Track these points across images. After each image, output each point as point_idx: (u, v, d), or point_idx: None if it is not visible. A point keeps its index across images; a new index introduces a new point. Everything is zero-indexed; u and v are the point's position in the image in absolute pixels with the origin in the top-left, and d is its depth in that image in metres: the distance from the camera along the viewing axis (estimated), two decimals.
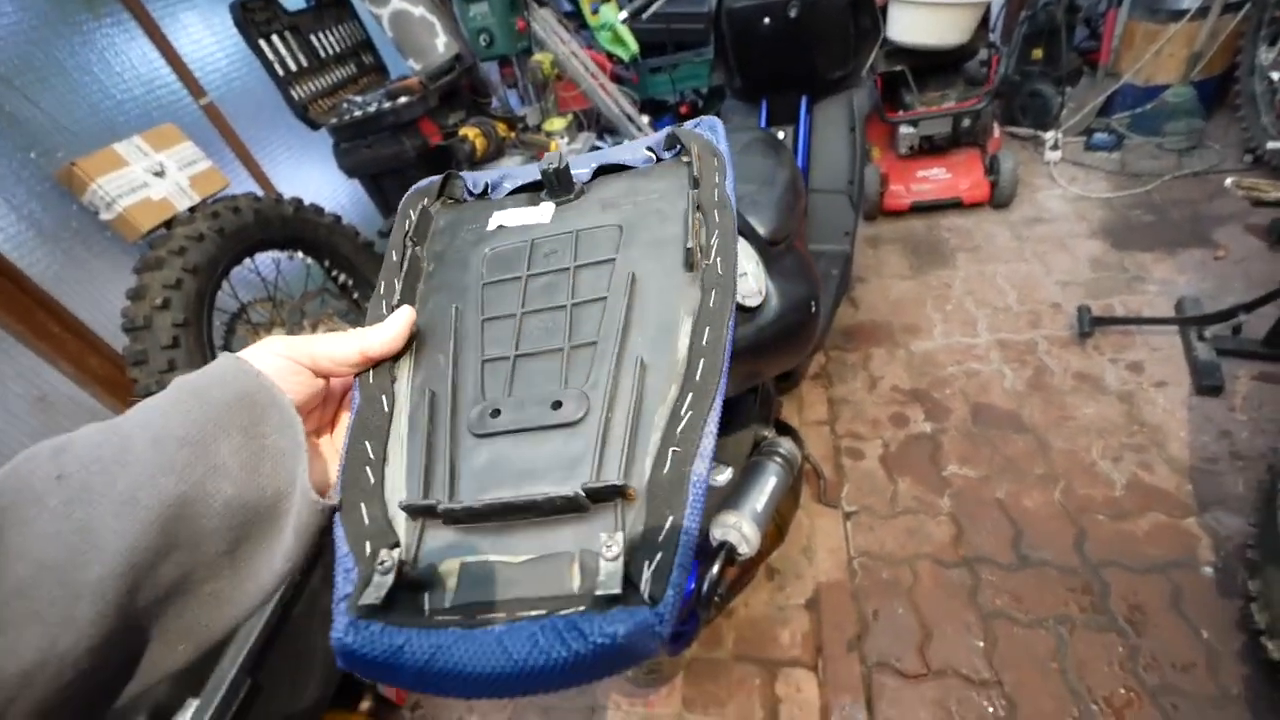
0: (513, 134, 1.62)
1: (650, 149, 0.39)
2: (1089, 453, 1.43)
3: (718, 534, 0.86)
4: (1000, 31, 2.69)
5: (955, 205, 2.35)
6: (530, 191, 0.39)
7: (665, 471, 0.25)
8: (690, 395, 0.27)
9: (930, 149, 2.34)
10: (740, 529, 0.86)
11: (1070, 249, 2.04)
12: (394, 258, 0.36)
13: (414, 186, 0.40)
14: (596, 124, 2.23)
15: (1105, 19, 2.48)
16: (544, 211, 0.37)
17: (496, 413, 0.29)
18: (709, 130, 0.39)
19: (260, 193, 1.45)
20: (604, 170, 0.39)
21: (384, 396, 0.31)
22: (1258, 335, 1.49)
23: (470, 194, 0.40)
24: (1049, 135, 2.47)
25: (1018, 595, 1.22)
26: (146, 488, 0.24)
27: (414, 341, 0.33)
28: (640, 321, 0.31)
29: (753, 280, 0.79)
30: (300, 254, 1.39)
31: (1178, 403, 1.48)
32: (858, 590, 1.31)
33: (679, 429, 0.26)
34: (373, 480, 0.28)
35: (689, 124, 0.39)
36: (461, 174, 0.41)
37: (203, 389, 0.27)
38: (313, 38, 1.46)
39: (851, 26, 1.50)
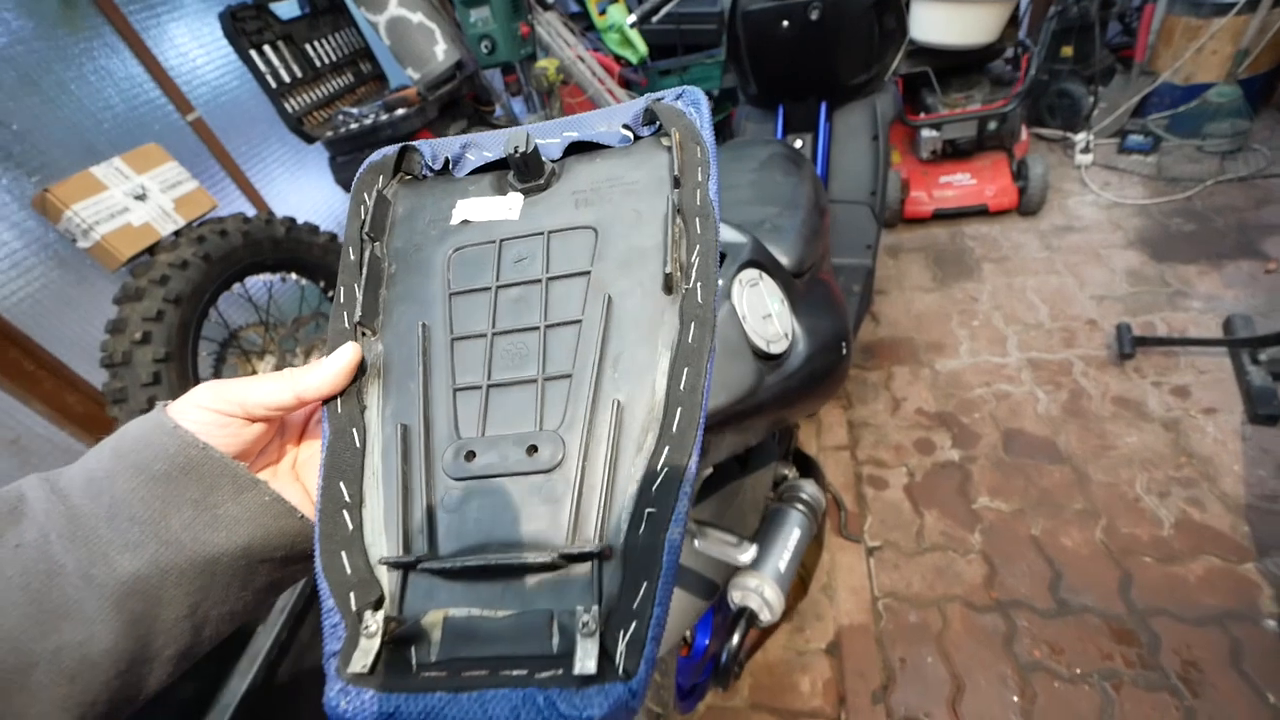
0: None
1: (627, 126, 0.35)
2: (1132, 487, 1.33)
3: (737, 598, 0.78)
4: (1027, 27, 2.57)
5: (980, 212, 2.23)
6: (495, 171, 0.36)
7: (641, 533, 0.25)
8: (667, 449, 0.26)
9: (954, 153, 2.24)
10: (762, 593, 0.78)
11: (1105, 260, 1.93)
12: (351, 256, 0.34)
13: (366, 161, 0.37)
14: None
15: (1141, 14, 2.35)
16: (512, 203, 0.34)
17: (471, 455, 0.29)
18: (691, 106, 0.34)
19: (252, 212, 1.38)
20: (575, 147, 0.35)
21: (354, 430, 0.30)
22: None
23: (429, 169, 0.37)
24: (1080, 137, 2.34)
25: (1057, 645, 1.13)
26: (101, 565, 0.25)
27: (381, 362, 0.32)
28: (616, 353, 0.29)
29: (777, 322, 0.71)
30: (294, 276, 1.33)
31: (1230, 432, 1.37)
32: (883, 635, 1.22)
33: (655, 486, 0.26)
34: (350, 526, 0.28)
35: (668, 94, 0.35)
36: (419, 145, 0.37)
37: (144, 464, 0.26)
38: (307, 47, 1.39)
39: (876, 28, 1.41)
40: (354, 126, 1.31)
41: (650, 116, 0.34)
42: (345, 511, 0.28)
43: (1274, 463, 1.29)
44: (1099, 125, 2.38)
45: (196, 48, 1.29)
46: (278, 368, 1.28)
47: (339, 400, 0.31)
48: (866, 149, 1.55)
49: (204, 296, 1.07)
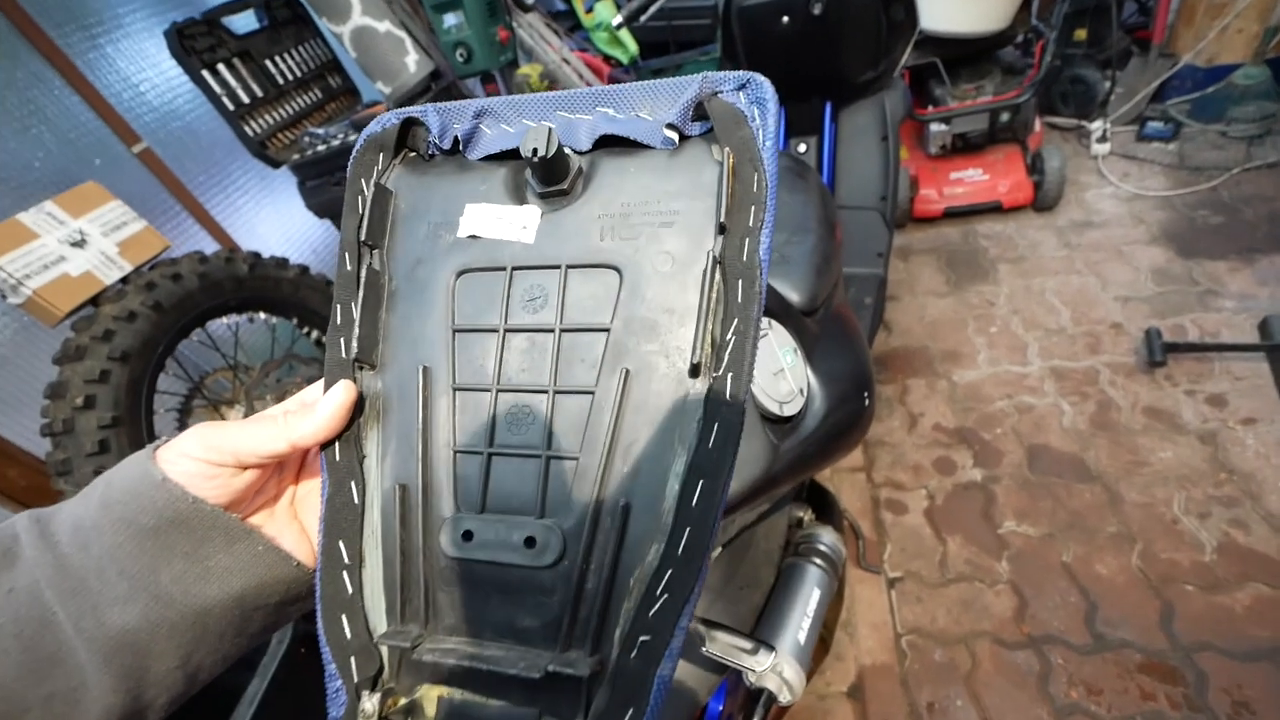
0: None
1: (673, 126, 0.28)
2: (1169, 507, 1.24)
3: (754, 679, 0.71)
4: (1038, 10, 2.45)
5: (994, 209, 2.13)
6: (513, 160, 0.31)
7: (633, 659, 0.25)
8: (670, 573, 0.25)
9: (964, 147, 2.13)
10: (781, 673, 0.70)
11: (1128, 258, 1.83)
12: (348, 266, 0.31)
13: (365, 132, 0.32)
14: None
15: None
16: (527, 219, 0.30)
17: (469, 535, 0.28)
18: (755, 105, 0.28)
19: (213, 249, 1.29)
20: (608, 140, 0.30)
21: (353, 483, 0.30)
22: None
23: (437, 148, 0.32)
24: (1095, 125, 2.23)
25: (1095, 685, 1.05)
26: (90, 618, 0.25)
27: (381, 403, 0.31)
28: (629, 441, 0.27)
29: (790, 378, 0.62)
30: (262, 315, 1.24)
31: (1272, 444, 1.28)
32: (908, 676, 1.15)
33: (652, 611, 0.25)
34: (350, 590, 0.28)
35: (728, 80, 0.28)
36: (426, 116, 0.32)
37: (132, 517, 0.26)
38: (268, 63, 1.29)
39: (883, 20, 1.31)
40: (321, 148, 1.22)
41: (700, 112, 0.28)
42: (345, 573, 0.28)
43: None
44: (1116, 112, 2.27)
45: (141, 71, 1.18)
46: (247, 417, 1.20)
47: (337, 446, 0.30)
48: (875, 150, 1.45)
49: (157, 349, 0.98)
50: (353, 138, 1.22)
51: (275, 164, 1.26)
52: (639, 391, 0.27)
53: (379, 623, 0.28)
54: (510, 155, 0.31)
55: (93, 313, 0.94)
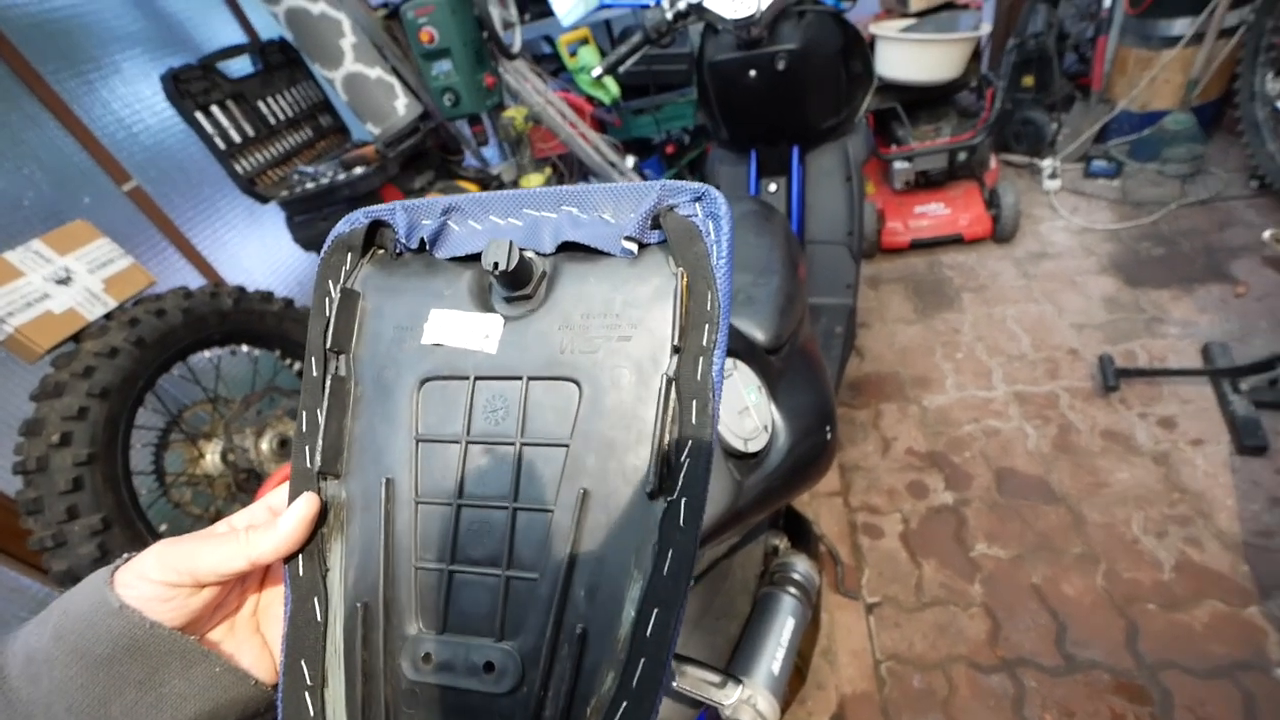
0: None
1: (632, 238, 0.29)
2: (1129, 527, 1.30)
3: (728, 711, 0.72)
4: (989, 61, 2.63)
5: (956, 241, 2.25)
6: (479, 264, 0.30)
7: None
8: (625, 705, 0.25)
9: (927, 183, 2.26)
10: (755, 705, 0.71)
11: (1081, 287, 1.94)
12: (314, 372, 0.31)
13: (333, 233, 0.33)
14: (577, 171, 2.12)
15: (1095, 45, 2.42)
16: (490, 329, 0.30)
17: (428, 657, 0.28)
18: (709, 220, 0.28)
19: (199, 283, 1.30)
20: (571, 244, 0.31)
21: (316, 599, 0.29)
22: None
23: (404, 246, 0.32)
24: (1046, 163, 2.39)
25: (1068, 707, 1.08)
26: None
27: (345, 514, 0.30)
28: (587, 562, 0.27)
29: (754, 415, 0.65)
30: (245, 348, 1.24)
31: (1219, 464, 1.36)
32: (887, 703, 1.16)
33: None
34: (313, 712, 0.28)
35: (685, 192, 0.29)
36: (394, 217, 0.32)
37: (86, 648, 0.26)
38: (260, 104, 1.33)
39: (843, 75, 1.40)
40: (310, 186, 1.24)
41: (658, 222, 0.29)
42: (308, 694, 0.28)
43: (1265, 496, 1.27)
44: (1064, 151, 2.43)
45: (134, 112, 1.21)
46: (226, 450, 1.19)
47: (300, 560, 0.30)
48: (841, 190, 1.53)
49: (137, 384, 0.97)
50: (341, 176, 1.25)
51: (264, 199, 1.28)
52: (596, 512, 0.27)
53: None
54: (476, 257, 0.30)
55: (74, 349, 0.93)
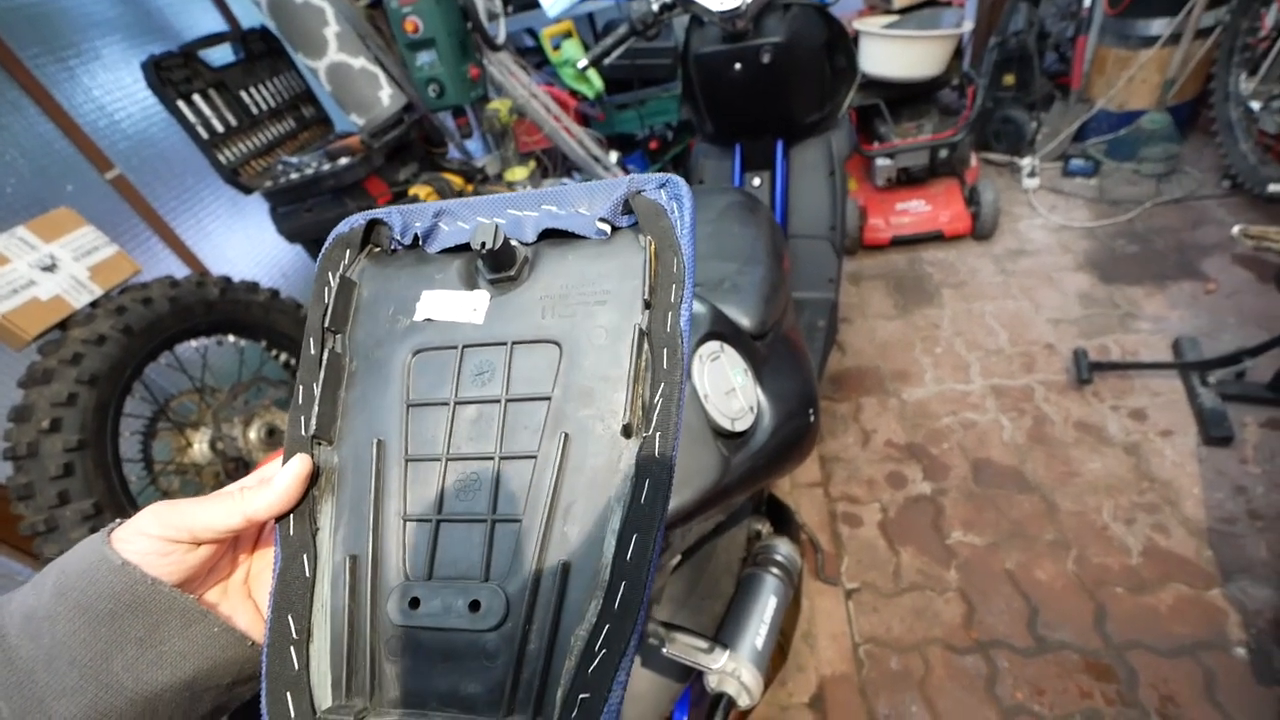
0: (470, 187, 1.49)
1: (605, 219, 0.32)
2: (1099, 514, 1.34)
3: (714, 683, 0.73)
4: (970, 59, 2.67)
5: (937, 238, 2.28)
6: (467, 252, 0.34)
7: (574, 718, 0.26)
8: (607, 628, 0.26)
9: (908, 180, 2.29)
10: (740, 677, 0.73)
11: (1058, 283, 1.98)
12: (311, 350, 0.33)
13: (334, 232, 0.36)
14: (561, 166, 2.12)
15: (1074, 45, 2.47)
16: (477, 303, 0.33)
17: (416, 601, 0.29)
18: (673, 201, 0.32)
19: (183, 273, 1.29)
20: (550, 232, 0.33)
21: (305, 556, 0.30)
22: (1262, 379, 1.42)
23: (399, 243, 0.35)
24: (1025, 162, 2.43)
25: (1039, 685, 1.11)
26: (36, 712, 0.25)
27: (336, 477, 0.32)
28: (569, 501, 0.29)
29: (741, 396, 0.67)
30: (231, 338, 1.24)
31: (1187, 454, 1.40)
32: (865, 684, 1.19)
33: (591, 668, 0.26)
34: (296, 665, 0.28)
35: (651, 181, 0.33)
36: (390, 217, 0.35)
37: (89, 604, 0.26)
38: (243, 93, 1.32)
39: (827, 69, 1.42)
40: (295, 176, 1.24)
41: (629, 208, 0.32)
42: (292, 648, 0.29)
43: (1229, 485, 1.32)
44: (1043, 150, 2.48)
45: (114, 99, 1.19)
46: (215, 439, 1.18)
47: (292, 520, 0.31)
48: (824, 185, 1.55)
49: (125, 372, 0.97)
50: (325, 167, 1.25)
51: (247, 190, 1.27)
52: (577, 454, 0.29)
53: (324, 698, 0.28)
54: (464, 248, 0.34)
55: (61, 336, 0.93)
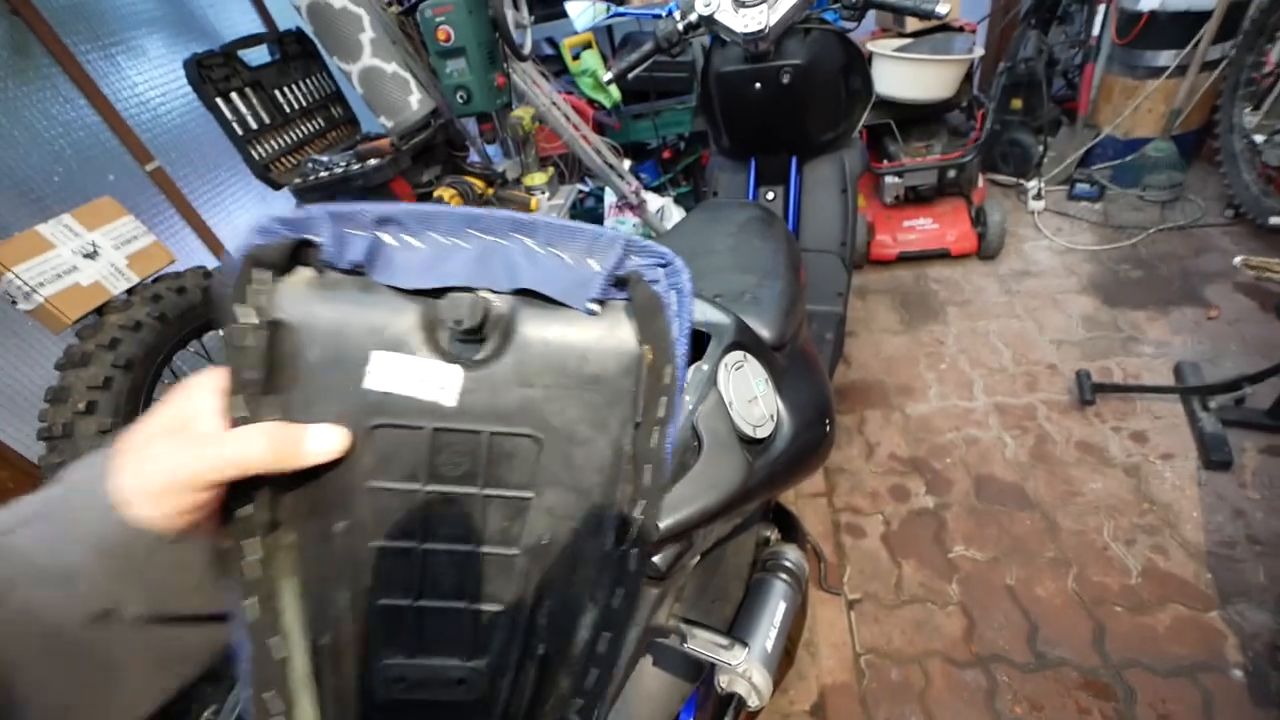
0: (490, 190, 1.53)
1: (596, 299, 0.28)
2: (1100, 534, 1.36)
3: (724, 683, 0.75)
4: (979, 83, 2.72)
5: (943, 256, 2.32)
6: (425, 296, 0.27)
7: None
8: (580, 702, 0.29)
9: (916, 198, 2.32)
10: (750, 678, 0.75)
11: (1062, 305, 2.01)
12: (244, 414, 0.27)
13: (243, 247, 0.26)
14: (578, 171, 2.16)
15: (1082, 72, 2.52)
16: (448, 379, 0.28)
17: (401, 679, 0.29)
18: (673, 291, 0.29)
19: (215, 263, 1.32)
20: (528, 291, 0.29)
21: (275, 639, 0.28)
22: (1262, 405, 1.45)
23: (329, 264, 0.27)
24: (1032, 184, 2.47)
25: (1037, 701, 1.13)
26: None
27: (297, 555, 0.28)
28: (546, 596, 0.30)
29: (762, 405, 0.70)
30: None
31: (1187, 478, 1.42)
32: (866, 694, 1.20)
33: None
34: None
35: (650, 256, 0.29)
36: (319, 226, 0.27)
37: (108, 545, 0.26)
38: (277, 93, 1.35)
39: (843, 89, 1.46)
40: (324, 175, 1.27)
41: (621, 282, 0.29)
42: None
43: (1229, 509, 1.34)
44: (1049, 174, 2.52)
45: (156, 93, 1.23)
46: None
47: (257, 603, 0.27)
48: (836, 201, 1.59)
49: (157, 359, 1.00)
50: (355, 167, 1.28)
51: (277, 186, 1.30)
52: (556, 556, 0.30)
53: None
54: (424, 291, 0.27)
55: (97, 321, 0.95)
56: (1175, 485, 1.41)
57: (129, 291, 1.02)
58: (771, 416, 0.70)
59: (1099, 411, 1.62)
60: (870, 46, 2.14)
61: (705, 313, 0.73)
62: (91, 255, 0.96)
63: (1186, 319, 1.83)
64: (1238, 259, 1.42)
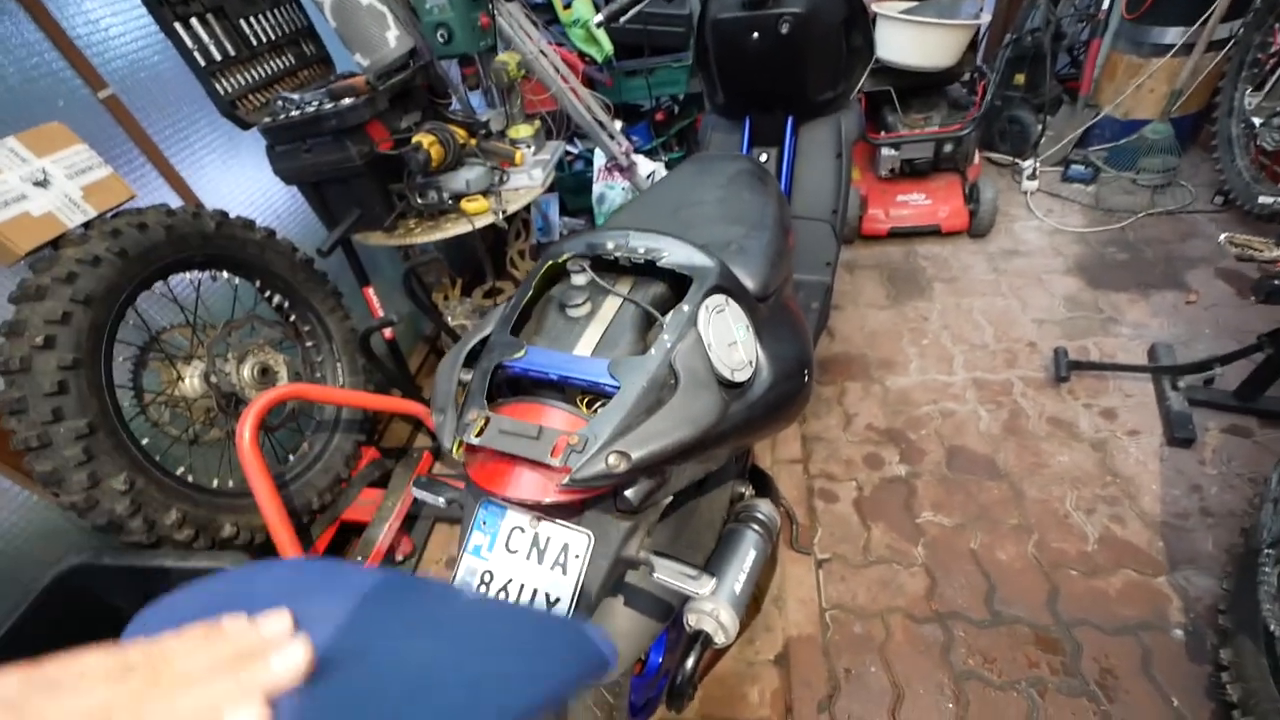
0: (474, 141, 1.48)
1: None
2: (1063, 503, 1.40)
3: (693, 621, 0.78)
4: (983, 54, 2.67)
5: (933, 233, 2.31)
6: None
7: None
8: None
9: (911, 172, 2.30)
10: (718, 616, 0.77)
11: (1046, 285, 2.03)
12: None
13: None
14: (566, 129, 2.10)
15: (1088, 48, 2.48)
16: None
17: None
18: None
19: (176, 203, 1.26)
20: None
21: None
22: (1229, 386, 1.49)
23: None
24: (1027, 164, 2.46)
25: (990, 654, 1.18)
26: None
27: None
28: None
29: (742, 350, 0.70)
30: (225, 274, 1.23)
31: (1150, 453, 1.47)
32: (829, 646, 1.25)
33: None
34: None
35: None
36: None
37: None
38: (242, 23, 1.28)
39: (844, 46, 1.42)
40: (295, 114, 1.22)
41: None
42: None
43: (1186, 483, 1.39)
44: (1045, 153, 2.50)
45: (110, 15, 1.14)
46: (207, 374, 1.18)
47: None
48: (830, 167, 1.57)
49: (120, 296, 0.96)
50: (329, 106, 1.22)
51: (245, 125, 1.24)
52: None
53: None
54: None
55: (53, 254, 0.92)
56: (1139, 460, 1.46)
57: (85, 225, 0.98)
58: (750, 362, 0.71)
59: (1073, 389, 1.65)
60: (875, 8, 2.07)
61: (690, 256, 0.72)
62: (42, 184, 0.91)
63: (1166, 302, 1.86)
64: (1222, 236, 1.43)
